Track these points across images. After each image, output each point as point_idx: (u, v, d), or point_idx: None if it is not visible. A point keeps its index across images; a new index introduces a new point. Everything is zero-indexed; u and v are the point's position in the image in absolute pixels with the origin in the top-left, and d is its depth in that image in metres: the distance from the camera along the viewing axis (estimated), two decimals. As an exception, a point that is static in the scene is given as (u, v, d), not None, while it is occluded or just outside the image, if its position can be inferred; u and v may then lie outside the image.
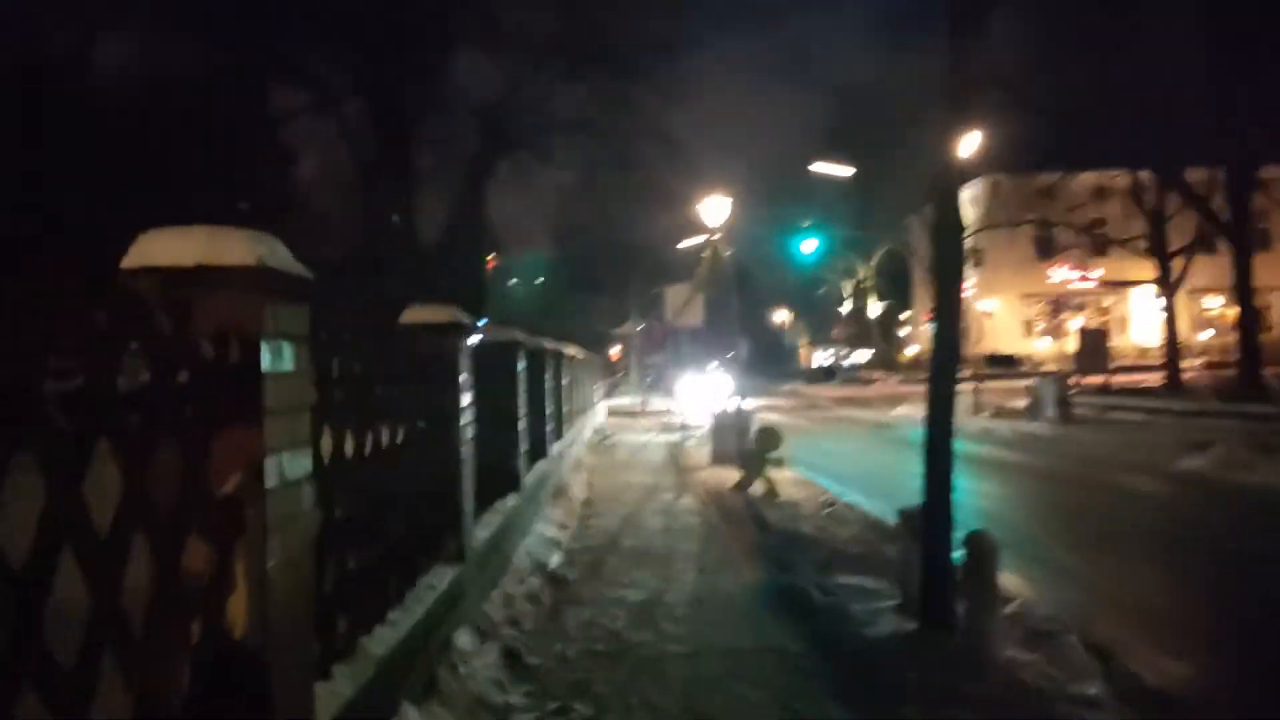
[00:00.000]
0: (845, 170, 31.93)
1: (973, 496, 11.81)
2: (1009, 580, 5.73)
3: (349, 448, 3.52)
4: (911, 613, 5.31)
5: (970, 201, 49.64)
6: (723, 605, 6.14)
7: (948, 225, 5.22)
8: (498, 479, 7.17)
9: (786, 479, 11.85)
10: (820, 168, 31.78)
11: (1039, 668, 4.54)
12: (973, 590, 4.60)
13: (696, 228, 40.19)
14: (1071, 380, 21.39)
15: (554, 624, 5.70)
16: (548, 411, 9.90)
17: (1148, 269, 35.12)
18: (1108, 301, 48.68)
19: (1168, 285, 29.46)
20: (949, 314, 5.24)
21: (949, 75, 5.22)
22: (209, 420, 2.25)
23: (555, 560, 7.49)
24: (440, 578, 4.35)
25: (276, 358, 2.38)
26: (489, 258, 28.10)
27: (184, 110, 20.03)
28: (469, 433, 5.06)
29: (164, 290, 2.17)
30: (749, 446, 11.87)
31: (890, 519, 9.72)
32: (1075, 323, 48.99)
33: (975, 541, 4.58)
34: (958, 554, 4.93)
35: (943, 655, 4.59)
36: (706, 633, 5.47)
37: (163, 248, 2.19)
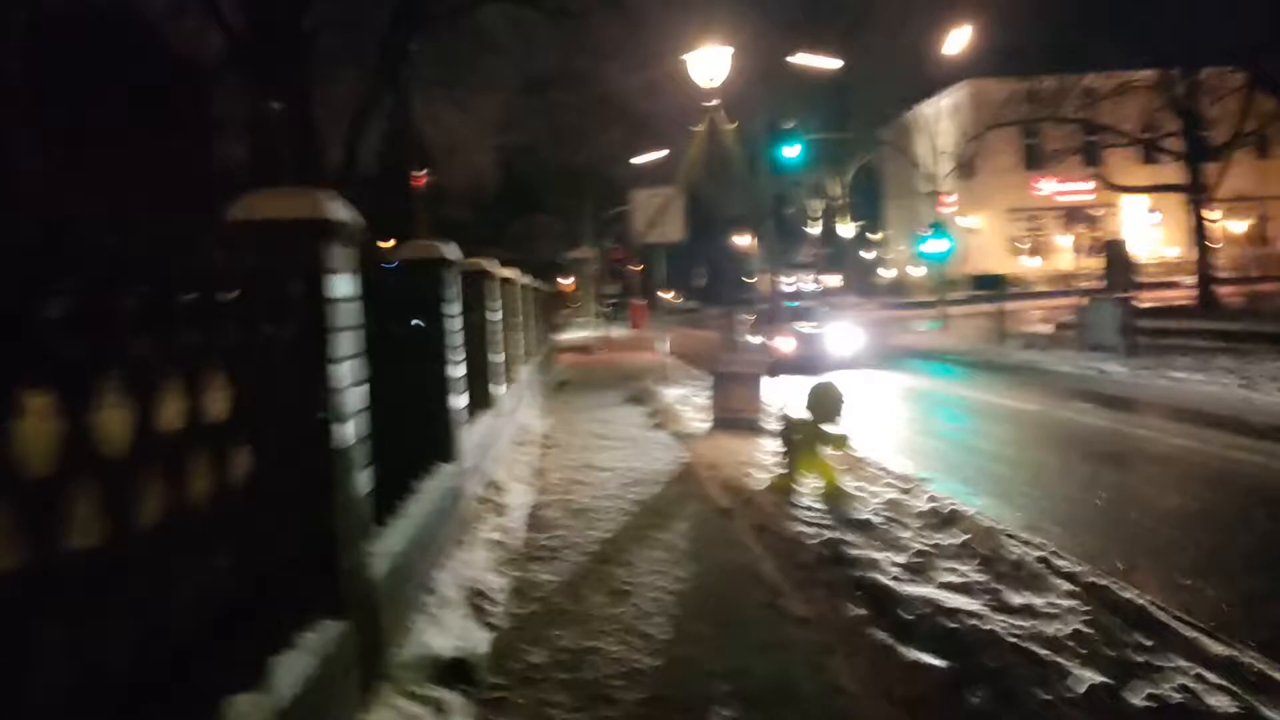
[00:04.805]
0: (831, 62, 27.17)
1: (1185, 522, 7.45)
2: None
3: None
4: None
5: (951, 110, 45.30)
6: None
7: None
8: (297, 585, 2.75)
9: (837, 459, 7.52)
10: (802, 60, 26.97)
11: None
12: None
13: (654, 141, 35.19)
14: (1135, 301, 17.22)
15: None
16: (451, 376, 5.40)
17: (1149, 177, 31.55)
18: (1098, 214, 45.09)
19: (1199, 191, 25.66)
20: None
21: None
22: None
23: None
24: None
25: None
26: (419, 174, 23.19)
27: None
28: None
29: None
30: (787, 417, 7.48)
31: (1060, 543, 5.12)
32: (1064, 239, 45.29)
33: None
34: None
35: None
36: None
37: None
